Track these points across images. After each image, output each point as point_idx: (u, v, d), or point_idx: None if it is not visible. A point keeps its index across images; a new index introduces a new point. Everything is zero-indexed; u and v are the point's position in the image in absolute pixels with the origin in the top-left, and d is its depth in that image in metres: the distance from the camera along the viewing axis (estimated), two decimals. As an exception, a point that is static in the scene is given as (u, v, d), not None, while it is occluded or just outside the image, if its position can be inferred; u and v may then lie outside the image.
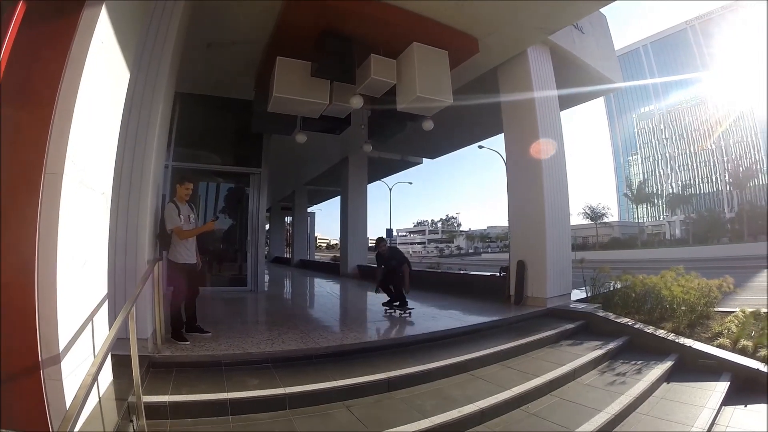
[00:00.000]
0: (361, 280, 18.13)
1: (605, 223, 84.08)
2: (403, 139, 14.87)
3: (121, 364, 3.93)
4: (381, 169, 24.22)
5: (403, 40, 8.43)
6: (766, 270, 22.42)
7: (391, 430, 4.11)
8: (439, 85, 8.44)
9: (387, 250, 9.33)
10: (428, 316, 9.00)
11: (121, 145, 4.89)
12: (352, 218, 20.30)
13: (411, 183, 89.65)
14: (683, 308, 8.27)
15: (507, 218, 11.08)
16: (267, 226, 37.33)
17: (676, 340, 7.24)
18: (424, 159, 22.69)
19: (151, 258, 5.51)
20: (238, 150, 12.66)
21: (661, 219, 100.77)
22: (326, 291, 14.95)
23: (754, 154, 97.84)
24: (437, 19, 8.41)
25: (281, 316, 9.14)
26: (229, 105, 11.91)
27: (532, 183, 10.17)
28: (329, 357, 5.92)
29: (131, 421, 3.82)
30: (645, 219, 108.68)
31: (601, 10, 11.54)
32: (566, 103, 13.43)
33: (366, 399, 4.89)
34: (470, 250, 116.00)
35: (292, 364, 5.58)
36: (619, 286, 9.66)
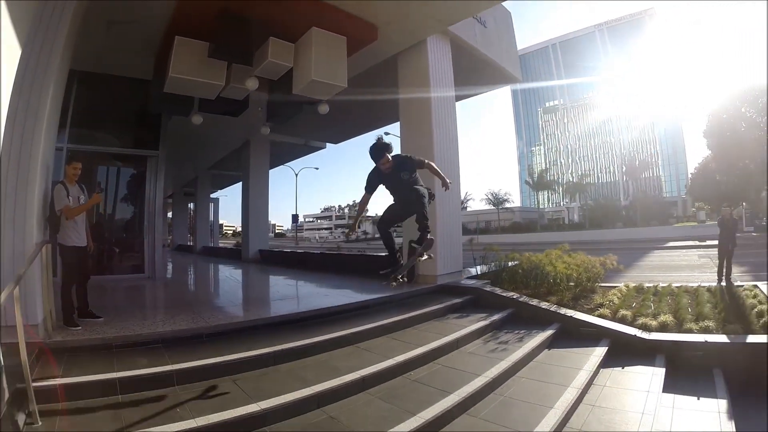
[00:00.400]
0: (263, 264, 18.12)
1: (507, 208, 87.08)
2: (305, 123, 14.92)
3: (12, 353, 3.82)
4: (284, 154, 24.00)
5: (303, 24, 8.48)
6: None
7: (276, 397, 4.23)
8: (335, 71, 8.59)
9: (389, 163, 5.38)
10: (321, 295, 9.30)
11: (10, 125, 4.70)
12: (254, 203, 20.04)
13: (317, 168, 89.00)
14: (571, 283, 9.00)
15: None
16: (170, 214, 36.16)
17: (559, 311, 7.82)
18: (327, 144, 22.77)
19: (39, 240, 5.32)
20: (137, 132, 12.19)
21: (561, 205, 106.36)
22: (225, 275, 14.82)
23: (649, 148, 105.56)
24: (338, 5, 8.52)
25: (176, 300, 9.05)
26: (129, 85, 11.42)
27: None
28: (220, 335, 5.95)
29: (20, 407, 3.73)
30: (545, 205, 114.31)
31: (508, 8, 11.99)
32: (465, 91, 13.92)
33: (253, 372, 4.99)
34: (376, 235, 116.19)
35: (182, 343, 5.55)
36: (509, 264, 10.27)
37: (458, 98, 13.09)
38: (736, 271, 13.22)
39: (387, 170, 5.39)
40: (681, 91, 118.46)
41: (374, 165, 5.47)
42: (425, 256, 5.90)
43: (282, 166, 29.68)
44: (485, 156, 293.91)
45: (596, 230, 50.08)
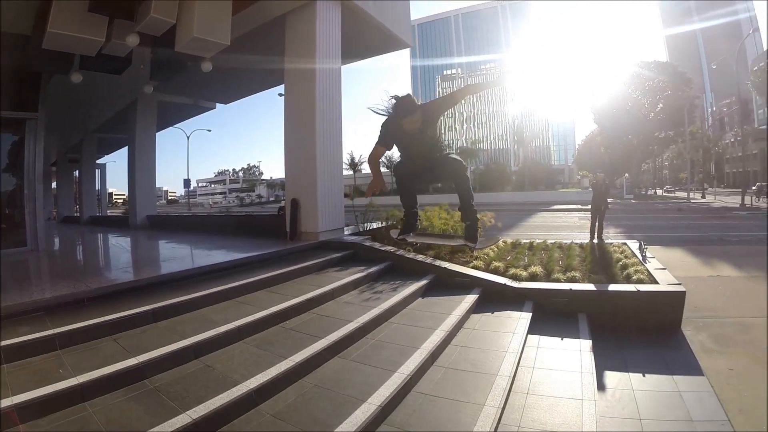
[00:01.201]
0: (151, 230, 17.68)
1: None
2: (192, 81, 14.58)
3: None
4: (173, 114, 23.04)
5: (188, -22, 8.25)
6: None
7: (153, 350, 4.35)
8: (219, 28, 8.45)
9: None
10: (204, 254, 9.40)
11: None
12: (141, 166, 19.10)
13: (210, 130, 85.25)
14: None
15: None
16: (54, 184, 33.87)
17: (434, 263, 8.35)
18: (218, 104, 22.15)
19: None
20: (14, 92, 11.39)
21: None
22: (111, 243, 14.35)
23: (540, 119, 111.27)
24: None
25: (58, 269, 8.70)
26: (5, 41, 10.63)
27: (306, 130, 10.72)
28: (102, 298, 5.88)
29: None
30: None
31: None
32: (353, 55, 14.05)
33: (133, 330, 5.04)
34: (271, 198, 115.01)
35: (64, 309, 5.46)
36: (390, 222, 10.77)
37: (346, 62, 13.22)
38: (613, 232, 14.51)
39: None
40: (574, 70, 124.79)
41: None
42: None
43: (173, 128, 28.60)
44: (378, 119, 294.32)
45: (486, 193, 51.91)
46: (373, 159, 4.38)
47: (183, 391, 3.83)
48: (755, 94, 79.78)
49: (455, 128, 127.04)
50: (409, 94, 4.11)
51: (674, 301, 7.18)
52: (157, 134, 20.30)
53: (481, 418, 3.87)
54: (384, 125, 4.30)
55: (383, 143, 4.27)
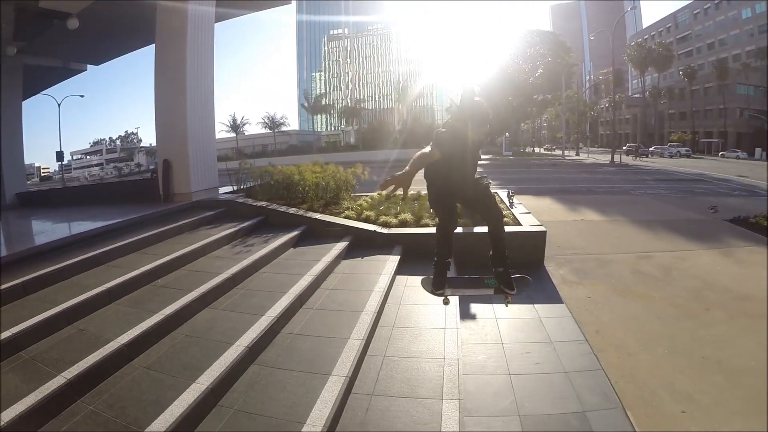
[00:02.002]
0: (23, 208, 16.43)
1: (284, 132, 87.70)
2: (60, 41, 13.56)
3: None
4: (41, 80, 21.28)
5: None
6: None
7: (25, 322, 4.17)
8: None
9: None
10: (75, 225, 9.02)
11: None
12: (6, 139, 17.65)
13: (83, 96, 79.56)
14: (329, 195, 9.73)
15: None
16: None
17: (306, 215, 8.52)
18: (89, 66, 20.61)
19: None
20: None
21: (338, 129, 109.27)
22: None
23: (424, 79, 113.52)
24: None
25: None
26: None
27: (176, 88, 10.35)
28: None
29: None
30: (323, 129, 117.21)
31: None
32: (230, 9, 13.65)
33: (5, 306, 4.74)
34: (151, 166, 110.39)
35: None
36: (267, 180, 10.58)
37: (223, 17, 12.82)
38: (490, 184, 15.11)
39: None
40: (462, 32, 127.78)
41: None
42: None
43: (42, 95, 26.42)
44: (265, 80, 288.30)
45: (370, 151, 52.25)
46: (420, 160, 3.75)
47: (58, 356, 3.78)
48: (630, 66, 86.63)
49: (341, 87, 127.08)
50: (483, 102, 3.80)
51: (536, 240, 7.89)
52: (24, 103, 18.65)
53: (345, 350, 4.11)
54: (448, 127, 3.91)
55: (441, 148, 3.73)
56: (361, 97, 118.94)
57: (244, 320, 4.48)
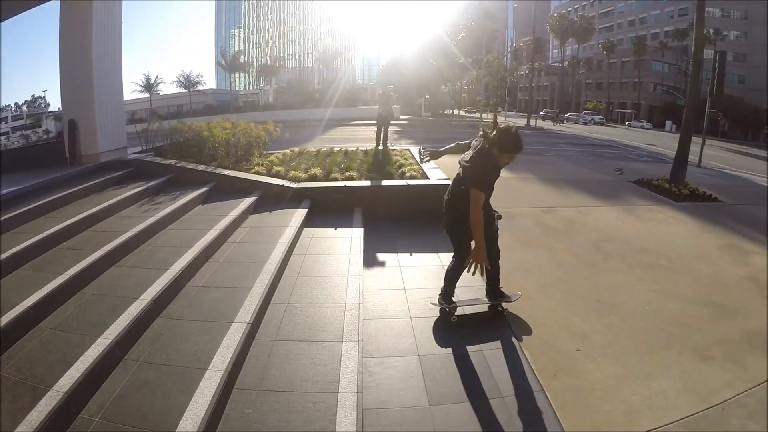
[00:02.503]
0: None
1: (200, 91, 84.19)
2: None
3: None
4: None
5: None
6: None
7: None
8: None
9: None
10: None
11: None
12: None
13: (-20, 56, 73.29)
14: (240, 152, 9.68)
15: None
16: None
17: (215, 171, 8.49)
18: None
19: None
20: None
21: (256, 88, 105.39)
22: None
23: (345, 38, 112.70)
24: None
25: None
26: None
27: (81, 44, 9.78)
28: None
29: None
30: (242, 88, 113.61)
31: None
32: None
33: None
34: (60, 131, 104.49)
35: None
36: (177, 138, 10.33)
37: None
38: (405, 142, 15.47)
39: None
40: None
41: (489, 157, 4.01)
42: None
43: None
44: (181, 37, 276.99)
45: (288, 110, 51.28)
46: (480, 215, 3.82)
47: (-38, 326, 3.68)
48: (552, 36, 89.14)
49: (261, 45, 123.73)
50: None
51: (443, 193, 8.07)
52: None
53: (248, 299, 4.21)
54: (483, 163, 3.95)
55: (486, 187, 3.92)
56: (281, 55, 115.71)
57: (149, 276, 4.46)
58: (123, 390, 3.09)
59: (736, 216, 10.55)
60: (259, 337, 3.89)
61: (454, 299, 4.63)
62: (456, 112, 77.25)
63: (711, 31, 66.73)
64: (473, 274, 3.86)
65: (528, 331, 4.59)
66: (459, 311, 4.68)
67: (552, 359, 4.13)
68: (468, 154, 4.15)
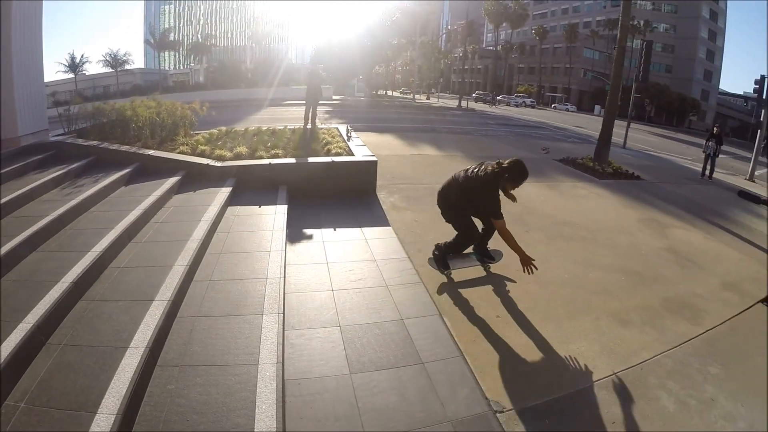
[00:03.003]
0: None
1: (127, 70, 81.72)
2: None
3: None
4: None
5: None
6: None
7: None
8: None
9: None
10: None
11: None
12: None
13: None
14: (163, 132, 9.51)
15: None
16: None
17: (139, 152, 8.35)
18: None
19: None
20: None
21: (187, 67, 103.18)
22: None
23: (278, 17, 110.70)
24: None
25: None
26: None
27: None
28: None
29: None
30: (172, 67, 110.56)
31: None
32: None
33: None
34: None
35: None
36: (100, 119, 10.02)
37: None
38: (336, 122, 15.59)
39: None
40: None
41: (496, 188, 5.03)
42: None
43: None
44: (107, 12, 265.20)
45: (219, 90, 49.85)
46: (510, 236, 4.80)
47: None
48: (487, 20, 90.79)
49: (191, 22, 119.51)
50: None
51: (368, 169, 8.44)
52: None
53: (169, 277, 4.28)
54: (494, 197, 4.90)
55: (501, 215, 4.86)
56: (213, 33, 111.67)
57: (70, 259, 4.43)
58: (46, 374, 3.11)
59: (656, 193, 11.26)
60: (181, 314, 3.95)
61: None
62: (390, 93, 77.31)
63: (642, 22, 70.79)
64: (529, 273, 4.77)
65: (449, 301, 4.81)
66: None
67: (471, 326, 4.36)
68: (476, 176, 5.03)
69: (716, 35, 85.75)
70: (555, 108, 68.84)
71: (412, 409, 3.25)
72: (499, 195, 4.96)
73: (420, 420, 3.17)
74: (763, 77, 20.10)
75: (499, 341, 4.20)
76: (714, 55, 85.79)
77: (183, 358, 3.43)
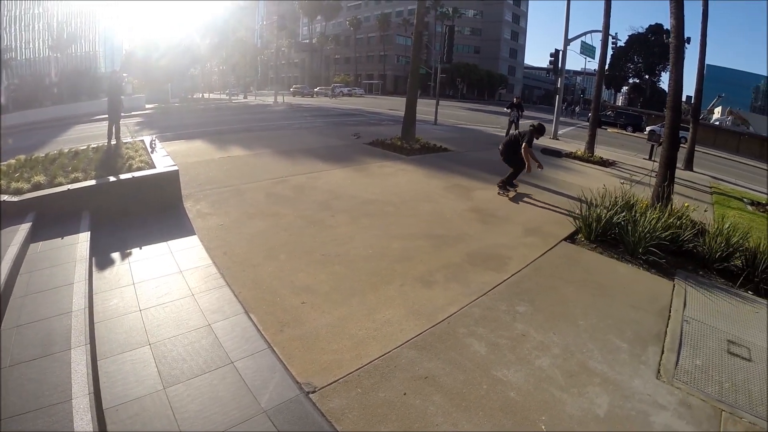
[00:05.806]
0: None
1: None
2: None
3: None
4: None
5: None
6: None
7: None
8: None
9: None
10: None
11: None
12: None
13: None
14: None
15: None
16: None
17: None
18: None
19: None
20: None
21: None
22: None
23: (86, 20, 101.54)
24: None
25: None
26: None
27: None
28: None
29: None
30: None
31: None
32: None
33: None
34: None
35: None
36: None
37: None
38: (147, 133, 14.97)
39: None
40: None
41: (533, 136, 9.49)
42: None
43: None
44: None
45: (23, 111, 43.09)
46: (528, 151, 9.35)
47: None
48: (302, 13, 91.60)
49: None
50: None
51: (171, 181, 8.32)
52: None
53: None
54: (530, 137, 9.34)
55: (530, 144, 9.38)
56: (12, 44, 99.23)
57: None
58: None
59: (460, 161, 12.42)
60: (-9, 370, 3.78)
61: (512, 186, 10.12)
62: (207, 95, 74.85)
63: (450, 9, 76.19)
64: (528, 171, 9.43)
65: (253, 296, 5.01)
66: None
67: (277, 317, 4.60)
68: (523, 132, 9.63)
69: (519, 17, 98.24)
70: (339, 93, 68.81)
71: (226, 409, 3.43)
72: (531, 139, 9.35)
73: (236, 417, 3.36)
74: (557, 50, 23.18)
75: (306, 326, 4.47)
76: (518, 35, 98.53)
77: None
